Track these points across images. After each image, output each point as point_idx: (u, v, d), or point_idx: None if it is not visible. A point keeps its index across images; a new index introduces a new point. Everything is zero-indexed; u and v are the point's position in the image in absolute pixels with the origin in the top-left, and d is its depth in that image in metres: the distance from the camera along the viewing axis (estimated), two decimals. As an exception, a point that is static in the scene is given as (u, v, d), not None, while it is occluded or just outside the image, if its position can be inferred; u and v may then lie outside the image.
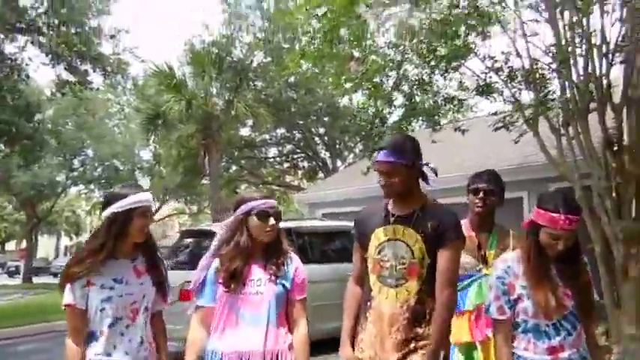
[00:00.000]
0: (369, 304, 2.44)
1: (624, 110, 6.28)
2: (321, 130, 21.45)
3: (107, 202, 2.44)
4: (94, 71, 14.21)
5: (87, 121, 26.31)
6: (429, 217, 2.37)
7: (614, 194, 6.12)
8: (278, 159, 24.28)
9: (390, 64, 8.19)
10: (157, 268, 2.50)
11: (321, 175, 22.24)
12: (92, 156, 29.09)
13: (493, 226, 2.88)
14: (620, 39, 6.52)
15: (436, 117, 8.33)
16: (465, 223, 2.75)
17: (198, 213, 31.84)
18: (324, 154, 22.48)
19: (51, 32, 12.53)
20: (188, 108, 15.50)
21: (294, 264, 2.54)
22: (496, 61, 7.34)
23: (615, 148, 6.27)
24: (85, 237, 46.06)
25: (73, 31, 13.05)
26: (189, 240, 7.66)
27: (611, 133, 6.33)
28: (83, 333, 2.35)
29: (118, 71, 15.33)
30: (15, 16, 11.89)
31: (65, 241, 46.71)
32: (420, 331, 2.33)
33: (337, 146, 21.47)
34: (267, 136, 22.51)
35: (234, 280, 2.39)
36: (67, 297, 2.33)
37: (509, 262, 2.32)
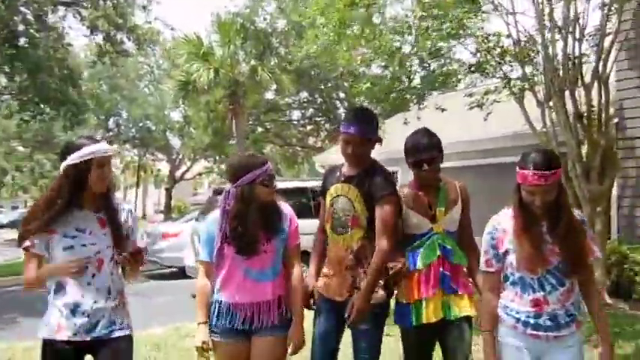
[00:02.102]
0: (327, 247, 2.87)
1: (594, 88, 7.05)
2: (342, 95, 22.33)
3: (64, 154, 2.38)
4: (129, 40, 15.34)
5: (119, 83, 27.67)
6: (368, 178, 2.73)
7: (584, 160, 6.94)
8: (301, 121, 25.32)
9: (399, 40, 9.05)
10: (114, 222, 2.46)
11: (342, 137, 23.24)
12: (126, 117, 30.59)
13: (439, 182, 2.80)
14: (592, 26, 7.34)
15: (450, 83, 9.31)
16: (410, 184, 2.84)
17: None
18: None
19: (90, 7, 13.64)
20: (216, 75, 16.63)
21: (288, 215, 2.69)
22: (489, 40, 8.10)
23: (585, 121, 7.07)
24: (119, 194, 48.05)
25: (109, 3, 14.14)
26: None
27: (583, 107, 7.12)
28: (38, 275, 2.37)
29: (150, 40, 16.45)
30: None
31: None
32: (361, 270, 2.71)
33: (356, 110, 22.28)
34: (290, 100, 23.50)
35: (250, 246, 2.52)
36: (26, 242, 2.35)
37: (500, 218, 2.38)
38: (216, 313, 2.58)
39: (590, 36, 7.40)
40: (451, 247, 2.72)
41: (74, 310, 2.33)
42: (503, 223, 2.35)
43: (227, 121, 19.56)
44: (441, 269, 2.68)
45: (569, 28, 7.10)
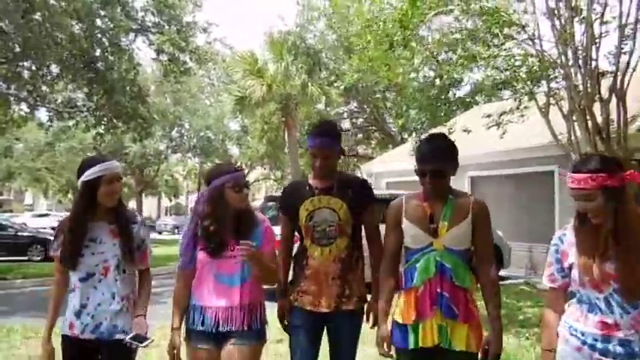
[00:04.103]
0: (305, 262, 2.82)
1: (611, 103, 7.62)
2: (389, 105, 23.21)
3: (79, 172, 2.56)
4: (191, 60, 16.82)
5: (182, 96, 29.64)
6: (346, 186, 2.81)
7: None
8: (352, 131, 26.35)
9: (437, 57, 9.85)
10: (124, 233, 2.60)
11: (390, 146, 24.09)
12: (188, 127, 32.67)
13: (448, 193, 2.53)
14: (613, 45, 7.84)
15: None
16: (417, 194, 2.61)
17: (281, 179, 34.70)
18: (393, 127, 24.23)
19: (157, 32, 15.20)
20: (269, 90, 17.97)
21: (263, 223, 2.72)
22: (516, 60, 8.69)
23: (604, 135, 7.54)
24: (181, 199, 50.50)
25: (174, 28, 15.65)
26: (271, 203, 9.78)
27: (601, 122, 7.61)
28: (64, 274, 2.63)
29: (210, 59, 17.90)
30: (128, 20, 14.59)
31: (165, 202, 51.37)
32: (350, 277, 2.78)
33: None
34: (340, 110, 24.60)
35: (219, 246, 2.57)
36: (52, 250, 2.67)
37: (566, 230, 2.19)
38: (191, 317, 2.64)
39: (609, 54, 7.98)
40: (451, 266, 2.43)
41: (81, 310, 2.53)
42: (569, 234, 2.16)
43: (280, 132, 20.84)
44: (438, 289, 2.41)
45: (587, 49, 7.63)
